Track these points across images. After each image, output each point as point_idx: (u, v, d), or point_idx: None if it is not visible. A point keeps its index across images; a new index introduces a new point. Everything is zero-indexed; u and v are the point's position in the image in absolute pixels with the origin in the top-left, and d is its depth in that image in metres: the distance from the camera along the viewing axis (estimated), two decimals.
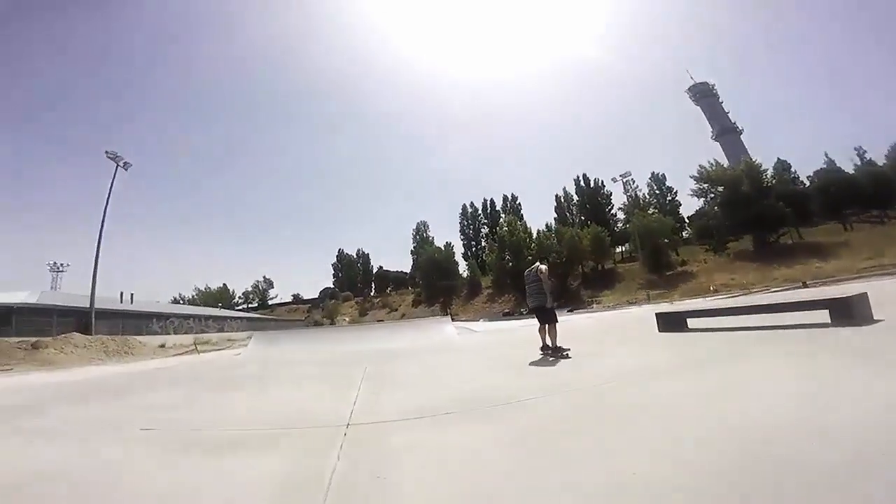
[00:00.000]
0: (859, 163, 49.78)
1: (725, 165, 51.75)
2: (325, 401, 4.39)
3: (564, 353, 6.09)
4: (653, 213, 55.34)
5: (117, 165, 32.40)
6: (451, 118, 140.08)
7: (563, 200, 64.48)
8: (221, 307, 65.11)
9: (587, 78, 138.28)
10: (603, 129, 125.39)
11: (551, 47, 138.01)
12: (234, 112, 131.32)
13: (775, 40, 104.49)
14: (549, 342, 6.37)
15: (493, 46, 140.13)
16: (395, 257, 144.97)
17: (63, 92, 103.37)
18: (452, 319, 18.82)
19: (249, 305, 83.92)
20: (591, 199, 62.38)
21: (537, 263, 6.73)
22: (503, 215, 66.94)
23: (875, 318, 6.16)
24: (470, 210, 71.30)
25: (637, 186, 59.21)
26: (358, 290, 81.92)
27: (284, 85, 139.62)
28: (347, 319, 62.71)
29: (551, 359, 6.08)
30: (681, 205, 63.05)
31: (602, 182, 63.34)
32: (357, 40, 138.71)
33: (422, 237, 73.28)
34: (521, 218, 59.35)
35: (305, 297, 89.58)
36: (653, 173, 64.71)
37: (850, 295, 6.54)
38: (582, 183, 64.03)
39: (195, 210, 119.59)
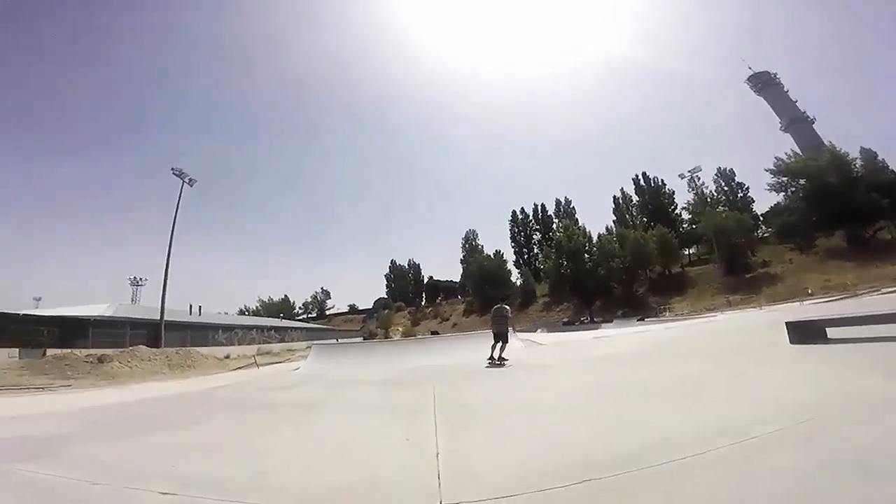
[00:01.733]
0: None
1: (805, 156, 46.22)
2: (394, 448, 3.33)
3: (504, 362, 8.77)
4: (723, 211, 50.51)
5: (183, 182, 34.33)
6: (499, 123, 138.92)
7: (621, 202, 60.78)
8: (283, 317, 67.58)
9: (631, 76, 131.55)
10: (656, 128, 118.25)
11: (596, 46, 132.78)
12: (296, 129, 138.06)
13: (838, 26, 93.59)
14: (496, 355, 8.95)
15: (540, 49, 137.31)
16: (447, 266, 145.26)
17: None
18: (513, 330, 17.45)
19: (309, 315, 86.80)
20: (652, 198, 58.37)
21: (502, 304, 10.04)
22: (556, 220, 64.51)
23: None
24: (521, 216, 69.27)
25: (703, 183, 54.41)
26: (410, 299, 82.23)
27: (343, 96, 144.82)
28: (401, 329, 62.67)
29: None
30: (754, 201, 57.33)
31: (663, 181, 59.21)
32: (401, 47, 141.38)
33: (471, 245, 72.28)
34: (577, 222, 56.52)
35: (360, 308, 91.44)
36: (719, 168, 59.52)
37: None
38: (642, 182, 60.11)
39: (259, 225, 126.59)
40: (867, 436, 2.52)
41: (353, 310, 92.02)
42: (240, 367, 16.71)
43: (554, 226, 63.43)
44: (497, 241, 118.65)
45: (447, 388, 6.33)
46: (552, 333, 25.39)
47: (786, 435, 2.70)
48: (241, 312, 73.56)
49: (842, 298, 22.61)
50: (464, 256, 73.33)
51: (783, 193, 46.64)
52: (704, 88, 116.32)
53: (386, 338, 53.42)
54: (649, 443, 2.80)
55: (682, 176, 51.92)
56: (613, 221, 59.84)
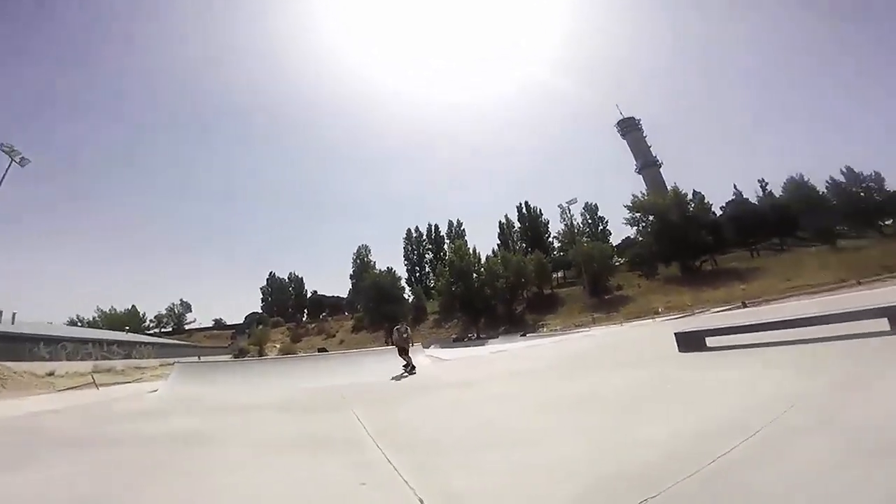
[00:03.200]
0: (762, 194, 55.93)
1: (652, 196, 55.79)
2: (354, 499, 2.55)
3: (412, 369, 10.40)
4: (587, 241, 57.97)
5: (11, 160, 27.11)
6: (392, 142, 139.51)
7: (505, 227, 65.52)
8: (129, 331, 56.49)
9: (527, 107, 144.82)
10: (539, 160, 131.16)
11: (493, 76, 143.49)
12: (149, 121, 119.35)
13: (689, 79, 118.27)
14: (409, 361, 10.53)
15: (434, 71, 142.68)
16: (332, 282, 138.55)
17: None
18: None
19: (162, 330, 74.30)
20: (532, 226, 64.09)
21: (403, 324, 11.89)
22: (447, 241, 66.51)
23: None
24: (415, 234, 69.85)
25: (572, 215, 61.85)
26: (289, 315, 75.98)
27: (215, 97, 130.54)
28: (278, 346, 57.28)
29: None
30: (611, 234, 66.91)
31: (541, 210, 65.63)
32: (289, 55, 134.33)
33: (363, 261, 70.16)
34: (466, 244, 59.05)
35: (229, 323, 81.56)
36: (587, 203, 68.27)
37: None
38: (524, 210, 65.75)
39: (100, 226, 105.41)
40: (836, 422, 2.66)
41: (219, 325, 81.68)
42: (72, 388, 13.02)
43: (445, 246, 65.28)
44: (388, 259, 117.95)
45: (374, 412, 5.54)
46: (447, 349, 25.50)
47: (778, 425, 2.73)
48: (73, 323, 59.58)
49: (683, 316, 27.20)
50: (354, 272, 70.77)
51: (636, 227, 55.15)
52: (587, 125, 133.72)
53: (261, 356, 48.20)
54: (661, 450, 2.59)
55: (560, 207, 58.22)
56: (498, 245, 64.06)
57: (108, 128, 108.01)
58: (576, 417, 4.10)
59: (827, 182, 50.26)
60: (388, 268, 60.57)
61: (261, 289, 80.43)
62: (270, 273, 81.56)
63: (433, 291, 56.86)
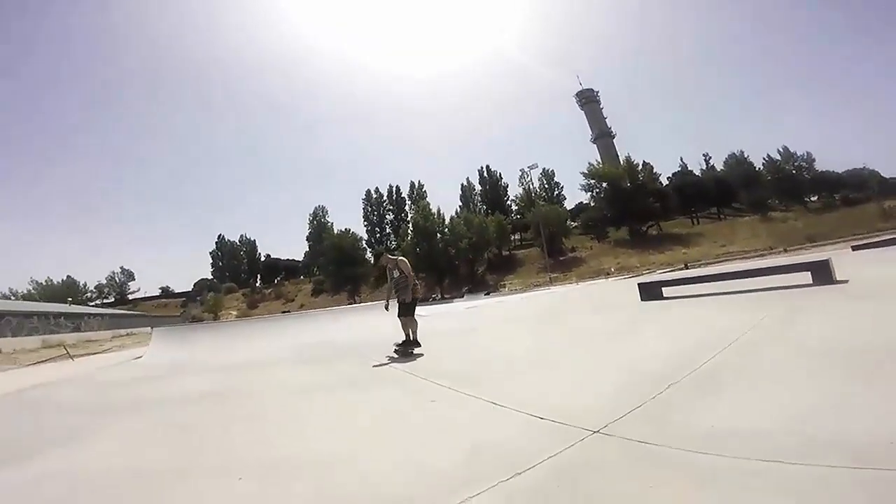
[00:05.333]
0: (705, 167, 60.34)
1: (606, 165, 58.43)
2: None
3: (414, 349, 5.90)
4: (544, 205, 60.17)
5: None
6: (353, 105, 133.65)
7: (467, 190, 66.28)
8: (72, 303, 52.80)
9: (493, 79, 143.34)
10: (504, 127, 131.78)
11: (457, 43, 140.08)
12: (91, 82, 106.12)
13: (651, 56, 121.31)
14: (409, 331, 5.99)
15: (407, 46, 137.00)
16: (286, 245, 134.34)
17: None
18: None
19: (105, 301, 69.90)
20: (492, 189, 65.25)
21: (398, 256, 6.33)
22: (409, 202, 66.32)
23: (838, 278, 7.02)
24: (375, 195, 68.82)
25: (531, 180, 63.51)
26: (243, 280, 73.67)
27: (155, 55, 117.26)
28: (234, 314, 55.97)
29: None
30: (566, 199, 69.66)
31: (501, 174, 66.79)
32: (243, 16, 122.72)
33: (319, 222, 68.57)
34: (429, 205, 59.29)
35: (177, 291, 77.99)
36: (544, 169, 70.10)
37: (824, 259, 7.38)
38: (485, 174, 66.58)
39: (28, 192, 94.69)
40: (765, 342, 3.65)
41: (166, 293, 78.06)
42: (42, 361, 12.58)
43: (407, 207, 65.20)
44: (345, 222, 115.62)
45: (390, 357, 5.98)
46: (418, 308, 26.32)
47: (742, 341, 3.67)
48: (5, 297, 54.72)
49: (633, 276, 29.63)
50: (311, 233, 69.21)
51: (590, 193, 57.75)
52: (550, 97, 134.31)
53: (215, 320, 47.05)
54: (662, 360, 3.46)
55: (521, 171, 59.55)
56: (459, 207, 64.89)
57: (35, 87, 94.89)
58: (576, 347, 4.99)
59: (764, 159, 54.77)
60: (346, 229, 59.81)
61: (210, 253, 76.98)
62: (219, 237, 77.97)
63: (396, 252, 57.23)
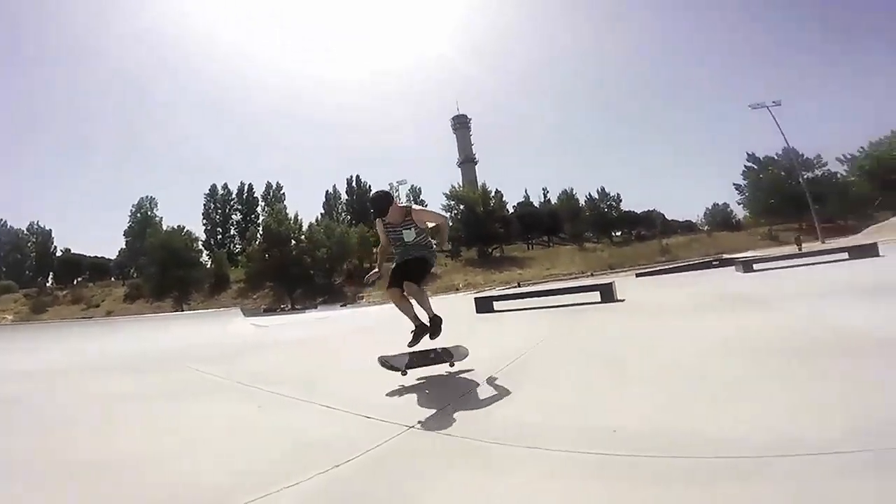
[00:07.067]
0: (543, 200, 70.61)
1: (466, 188, 63.75)
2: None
3: (432, 326, 3.82)
4: None
5: None
6: (217, 91, 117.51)
7: (332, 198, 64.31)
8: None
9: (377, 93, 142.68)
10: (378, 141, 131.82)
11: (342, 50, 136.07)
12: None
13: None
14: (427, 314, 3.82)
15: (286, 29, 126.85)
16: (97, 240, 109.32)
17: None
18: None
19: None
20: (360, 200, 64.72)
21: (410, 204, 3.88)
22: (262, 203, 61.11)
23: (619, 298, 9.13)
24: (221, 192, 61.35)
25: (398, 195, 65.13)
26: (28, 279, 57.38)
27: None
28: (9, 318, 43.04)
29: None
30: None
31: (370, 186, 66.77)
32: None
33: (145, 216, 58.00)
34: (286, 208, 55.60)
35: None
36: (412, 186, 72.68)
37: (608, 282, 9.48)
38: (354, 184, 65.70)
39: None
40: (575, 340, 4.66)
41: None
42: None
43: (259, 208, 59.91)
44: (180, 220, 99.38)
45: (222, 367, 5.64)
46: (266, 318, 24.20)
47: (544, 343, 4.55)
48: None
49: (477, 292, 32.63)
50: (131, 227, 57.95)
51: (449, 213, 61.81)
52: (430, 117, 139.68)
53: None
54: (489, 354, 4.06)
55: (390, 184, 60.35)
56: (322, 214, 62.47)
57: None
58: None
59: (586, 197, 66.48)
60: (179, 226, 51.91)
61: None
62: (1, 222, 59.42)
63: (240, 258, 51.68)
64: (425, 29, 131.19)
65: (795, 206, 46.99)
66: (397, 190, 61.73)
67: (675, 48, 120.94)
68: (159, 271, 44.93)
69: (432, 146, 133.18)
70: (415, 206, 3.75)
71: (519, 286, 34.06)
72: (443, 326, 3.82)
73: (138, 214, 58.36)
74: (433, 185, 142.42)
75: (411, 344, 3.73)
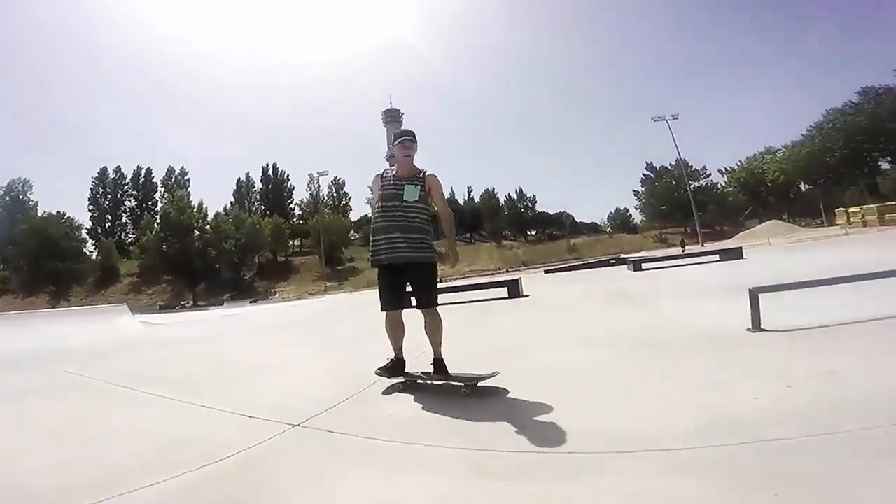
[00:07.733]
0: (467, 198, 72.50)
1: None
2: None
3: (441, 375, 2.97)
4: (329, 214, 60.20)
5: None
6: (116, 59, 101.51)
7: (244, 186, 59.69)
8: None
9: (311, 77, 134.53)
10: (302, 128, 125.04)
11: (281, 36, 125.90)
12: None
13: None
14: (435, 351, 3.06)
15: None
16: None
17: None
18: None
19: None
20: (275, 190, 60.89)
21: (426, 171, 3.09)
22: (162, 189, 55.00)
23: (524, 293, 9.82)
24: (113, 175, 53.98)
25: (319, 186, 62.54)
26: None
27: None
28: None
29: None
30: (352, 209, 71.35)
31: (288, 175, 63.15)
32: None
33: (15, 200, 49.21)
34: (189, 195, 50.55)
35: None
36: (335, 178, 70.11)
37: (515, 279, 10.14)
38: (269, 172, 61.55)
39: None
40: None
41: None
42: None
43: (158, 195, 53.83)
44: (61, 205, 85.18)
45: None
46: (160, 315, 21.93)
47: (470, 330, 4.78)
48: None
49: None
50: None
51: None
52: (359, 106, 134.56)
53: None
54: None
55: (310, 175, 57.71)
56: (231, 203, 57.80)
57: None
58: (319, 351, 5.38)
59: (506, 197, 69.48)
60: (59, 212, 44.93)
61: None
62: None
63: (132, 248, 46.08)
64: (355, 20, 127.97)
65: (683, 212, 53.66)
66: (317, 182, 59.40)
67: (588, 61, 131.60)
68: (31, 263, 38.35)
69: (360, 139, 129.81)
70: (430, 174, 3.10)
71: (441, 281, 34.59)
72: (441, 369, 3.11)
73: (7, 198, 49.23)
74: (359, 178, 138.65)
75: (382, 375, 3.15)
